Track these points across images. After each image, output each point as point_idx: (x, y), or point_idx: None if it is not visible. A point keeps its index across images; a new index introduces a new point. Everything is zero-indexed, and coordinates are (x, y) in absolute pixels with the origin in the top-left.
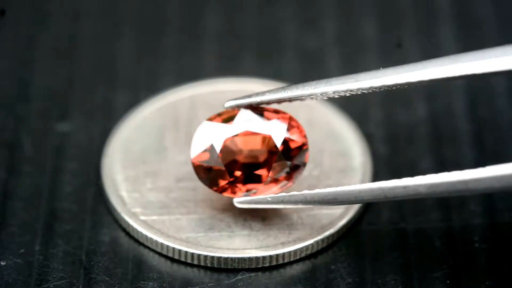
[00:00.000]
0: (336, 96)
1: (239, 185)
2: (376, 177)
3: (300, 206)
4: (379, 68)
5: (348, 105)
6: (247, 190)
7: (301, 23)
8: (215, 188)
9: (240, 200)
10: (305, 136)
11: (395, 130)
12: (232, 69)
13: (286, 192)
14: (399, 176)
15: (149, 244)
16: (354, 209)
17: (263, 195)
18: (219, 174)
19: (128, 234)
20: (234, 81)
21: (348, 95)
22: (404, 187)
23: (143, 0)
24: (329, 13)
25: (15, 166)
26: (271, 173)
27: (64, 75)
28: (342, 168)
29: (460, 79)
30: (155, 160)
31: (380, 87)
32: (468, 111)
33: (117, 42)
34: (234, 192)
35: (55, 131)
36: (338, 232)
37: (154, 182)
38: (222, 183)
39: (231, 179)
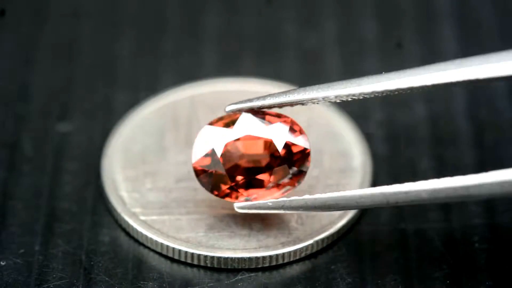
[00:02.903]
0: (338, 101)
1: (241, 190)
2: (376, 178)
3: (300, 211)
4: (381, 72)
5: (348, 105)
6: (249, 195)
7: (301, 23)
8: (216, 193)
9: (241, 205)
10: (307, 140)
11: (395, 130)
12: (232, 69)
13: (287, 197)
14: (399, 176)
15: (149, 244)
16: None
17: (264, 199)
18: (221, 179)
19: (128, 234)
20: (234, 81)
21: (350, 99)
22: (406, 192)
23: (143, 0)
24: (329, 13)
25: (15, 166)
26: (273, 178)
27: (64, 75)
28: (342, 168)
29: (462, 84)
30: (155, 160)
31: (382, 92)
32: (468, 112)
33: (117, 42)
34: (236, 197)
35: (55, 131)
36: (338, 232)
37: (154, 182)
38: (224, 187)
39: (233, 184)
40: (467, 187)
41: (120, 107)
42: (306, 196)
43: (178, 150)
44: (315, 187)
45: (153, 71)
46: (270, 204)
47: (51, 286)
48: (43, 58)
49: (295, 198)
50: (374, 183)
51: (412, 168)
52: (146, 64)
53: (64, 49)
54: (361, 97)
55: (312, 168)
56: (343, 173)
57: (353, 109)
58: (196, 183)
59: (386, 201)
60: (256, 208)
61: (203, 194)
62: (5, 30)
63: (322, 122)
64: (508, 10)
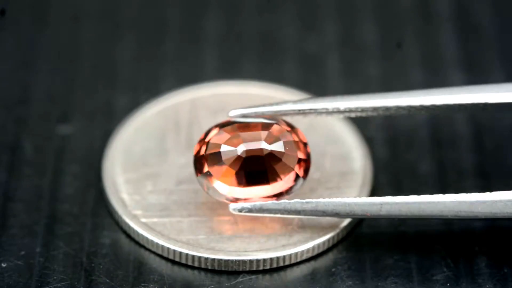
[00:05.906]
0: (347, 114)
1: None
2: (376, 181)
3: (298, 216)
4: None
5: None
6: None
7: (301, 26)
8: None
9: (236, 206)
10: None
11: (395, 134)
12: (233, 72)
13: (288, 199)
14: (399, 180)
15: (150, 247)
16: None
17: (260, 201)
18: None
19: (129, 236)
20: (235, 84)
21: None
22: (404, 203)
23: (144, 3)
24: (329, 16)
25: (16, 168)
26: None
27: (65, 77)
28: (342, 171)
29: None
30: (156, 162)
31: (388, 108)
32: (468, 115)
33: (118, 45)
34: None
35: (56, 133)
36: (338, 234)
37: (155, 185)
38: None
39: None
40: (470, 203)
41: (121, 109)
42: (305, 201)
43: (179, 152)
44: (316, 190)
45: (154, 73)
46: (265, 207)
47: None
48: (44, 60)
49: (295, 200)
50: (375, 187)
51: (412, 171)
52: (147, 66)
53: (65, 51)
54: (368, 113)
55: (313, 171)
56: (344, 176)
57: None
58: (196, 186)
59: (379, 211)
60: (251, 211)
61: (204, 196)
62: (5, 32)
63: (323, 125)
64: (507, 12)
